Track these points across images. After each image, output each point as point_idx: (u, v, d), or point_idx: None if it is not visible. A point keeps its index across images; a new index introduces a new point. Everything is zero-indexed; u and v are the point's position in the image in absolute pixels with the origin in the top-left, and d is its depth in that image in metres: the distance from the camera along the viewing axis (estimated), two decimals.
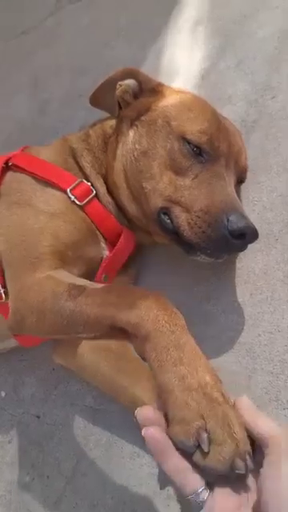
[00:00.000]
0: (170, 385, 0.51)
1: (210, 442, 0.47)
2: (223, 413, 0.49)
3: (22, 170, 0.81)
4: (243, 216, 0.68)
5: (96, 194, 0.81)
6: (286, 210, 0.82)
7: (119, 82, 0.80)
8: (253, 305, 0.78)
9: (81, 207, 0.78)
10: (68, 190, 0.77)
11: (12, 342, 0.89)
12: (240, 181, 0.81)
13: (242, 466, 0.47)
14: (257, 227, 0.68)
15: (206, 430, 0.48)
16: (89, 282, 0.69)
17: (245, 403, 0.53)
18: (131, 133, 0.79)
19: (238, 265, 0.82)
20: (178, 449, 0.50)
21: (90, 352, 0.81)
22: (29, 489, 0.86)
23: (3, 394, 0.96)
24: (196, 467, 0.49)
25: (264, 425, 0.50)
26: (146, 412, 0.53)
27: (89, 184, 0.80)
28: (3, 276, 0.76)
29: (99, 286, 0.65)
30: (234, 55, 1.02)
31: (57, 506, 0.82)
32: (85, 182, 0.80)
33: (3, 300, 0.75)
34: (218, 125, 0.75)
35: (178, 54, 1.13)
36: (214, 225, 0.68)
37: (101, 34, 1.32)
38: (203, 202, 0.70)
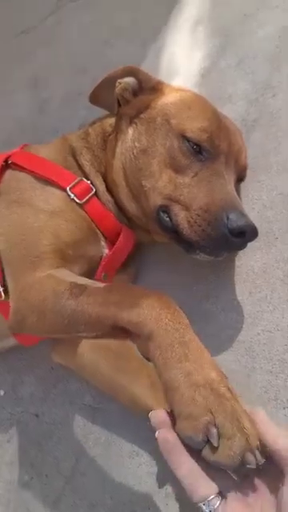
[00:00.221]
0: (175, 381, 0.51)
1: (220, 436, 0.47)
2: (232, 407, 0.49)
3: (22, 169, 0.80)
4: (243, 214, 0.68)
5: (95, 192, 0.80)
6: (285, 208, 0.82)
7: (119, 80, 0.79)
8: (252, 303, 0.78)
9: (80, 205, 0.78)
10: (68, 189, 0.77)
11: (11, 341, 0.88)
12: (240, 179, 0.81)
13: (253, 460, 0.47)
14: (256, 226, 0.68)
15: (214, 424, 0.48)
16: (90, 280, 0.68)
17: (261, 417, 0.52)
18: (130, 131, 0.79)
19: (238, 263, 0.82)
20: (185, 445, 0.50)
21: (89, 351, 0.81)
22: (28, 488, 0.86)
23: (2, 392, 0.96)
24: (208, 473, 0.49)
25: (282, 440, 0.49)
26: (160, 415, 0.53)
27: (88, 182, 0.80)
28: (3, 275, 0.75)
29: (101, 285, 0.65)
30: (234, 54, 1.02)
31: (56, 505, 0.82)
32: (84, 180, 0.80)
33: (2, 299, 0.75)
34: (218, 123, 0.75)
35: (179, 52, 1.13)
36: (214, 223, 0.67)
37: (101, 32, 1.32)
38: (203, 200, 0.69)
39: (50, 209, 0.75)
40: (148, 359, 0.56)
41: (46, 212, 0.74)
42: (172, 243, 0.77)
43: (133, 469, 0.78)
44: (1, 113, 1.39)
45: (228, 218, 0.67)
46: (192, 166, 0.72)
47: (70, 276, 0.69)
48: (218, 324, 0.79)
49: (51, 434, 0.88)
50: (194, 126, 0.72)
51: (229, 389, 0.51)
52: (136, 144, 0.77)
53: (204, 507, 0.48)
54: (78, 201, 0.77)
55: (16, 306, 0.70)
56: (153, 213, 0.75)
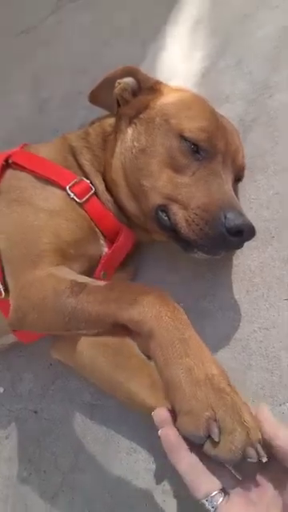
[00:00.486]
0: (176, 378, 0.52)
1: (220, 431, 0.48)
2: (232, 402, 0.50)
3: (22, 168, 0.81)
4: (240, 213, 0.69)
5: (95, 191, 0.81)
6: (282, 208, 0.82)
7: (118, 80, 0.80)
8: (249, 301, 0.79)
9: (80, 204, 0.78)
10: (67, 188, 0.77)
11: (10, 338, 0.89)
12: (237, 179, 0.81)
13: (254, 454, 0.47)
14: (254, 225, 0.69)
15: (215, 419, 0.48)
16: (90, 279, 0.69)
17: (265, 415, 0.52)
18: (130, 130, 0.79)
19: (235, 262, 0.83)
20: (187, 441, 0.50)
21: (88, 348, 0.81)
22: (26, 484, 0.86)
23: (1, 389, 0.96)
24: (211, 470, 0.49)
25: (286, 437, 0.49)
26: (162, 413, 0.53)
27: (88, 182, 0.81)
28: (3, 273, 0.76)
29: (101, 283, 0.66)
30: (233, 54, 1.03)
31: (54, 501, 0.82)
32: (84, 179, 0.80)
33: (2, 296, 0.75)
34: (216, 123, 0.75)
35: (178, 52, 1.13)
36: (212, 222, 0.68)
37: (101, 32, 1.32)
38: (201, 199, 0.70)
39: (50, 208, 0.76)
40: (148, 357, 0.57)
41: (47, 211, 0.75)
42: (170, 242, 0.78)
43: (130, 465, 0.78)
44: (1, 113, 1.39)
45: (225, 217, 0.67)
46: (190, 165, 0.73)
47: (70, 274, 0.69)
48: (216, 322, 0.80)
49: (50, 430, 0.88)
50: (193, 126, 0.73)
51: (229, 384, 0.52)
52: (135, 144, 0.78)
53: (207, 503, 0.48)
54: (77, 200, 0.78)
55: (16, 303, 0.70)
56: (152, 212, 0.76)
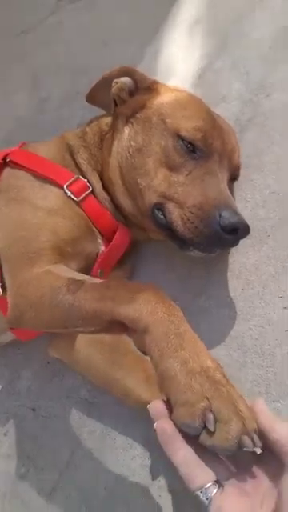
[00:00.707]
0: (172, 370, 0.52)
1: (216, 421, 0.48)
2: (227, 393, 0.50)
3: (20, 167, 0.81)
4: (235, 212, 0.70)
5: (92, 190, 0.82)
6: (278, 207, 0.83)
7: (115, 80, 0.81)
8: (244, 299, 0.79)
9: (77, 203, 0.79)
10: (65, 186, 0.78)
11: (8, 336, 0.90)
12: (233, 178, 0.82)
13: (250, 443, 0.47)
14: (249, 224, 0.70)
15: (211, 410, 0.49)
16: (87, 276, 0.69)
17: (261, 407, 0.53)
18: (126, 130, 0.80)
19: (230, 260, 0.83)
20: (183, 434, 0.50)
21: (85, 345, 0.82)
22: (24, 480, 0.87)
23: None
24: (206, 463, 0.50)
25: (282, 430, 0.49)
26: (158, 406, 0.54)
27: (85, 180, 0.81)
28: (0, 270, 0.76)
29: (98, 280, 0.66)
30: (229, 55, 1.04)
31: (51, 497, 0.83)
32: (81, 178, 0.81)
33: (0, 294, 0.76)
34: (212, 123, 0.76)
35: (176, 53, 1.14)
36: (207, 220, 0.69)
37: (100, 33, 1.33)
38: (196, 198, 0.71)
39: (48, 206, 0.76)
40: (144, 353, 0.57)
41: (44, 209, 0.76)
42: (167, 240, 0.78)
43: (127, 461, 0.79)
44: (1, 113, 1.40)
45: (220, 216, 0.68)
46: (186, 164, 0.73)
47: (67, 272, 0.70)
48: (211, 319, 0.81)
49: (47, 427, 0.89)
50: (189, 126, 0.74)
51: (224, 376, 0.52)
52: (132, 143, 0.78)
53: (201, 495, 0.48)
54: (74, 198, 0.78)
55: (14, 301, 0.70)
56: (148, 210, 0.77)
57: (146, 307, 0.57)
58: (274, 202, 0.84)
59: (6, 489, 0.88)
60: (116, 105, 0.83)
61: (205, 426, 0.48)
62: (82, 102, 0.89)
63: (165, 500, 0.74)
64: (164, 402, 0.54)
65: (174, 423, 0.51)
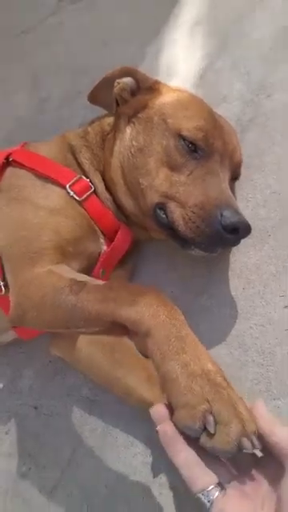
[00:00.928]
0: (173, 373, 0.52)
1: (216, 423, 0.49)
2: (228, 395, 0.51)
3: (22, 166, 0.82)
4: (237, 211, 0.70)
5: (94, 190, 0.82)
6: (279, 206, 0.84)
7: (117, 80, 0.81)
8: (245, 298, 0.80)
9: (79, 203, 0.79)
10: (67, 186, 0.78)
11: (10, 335, 0.90)
12: (234, 178, 0.82)
13: (249, 445, 0.48)
14: (250, 223, 0.70)
15: (211, 412, 0.49)
16: (89, 277, 0.70)
17: (260, 411, 0.53)
18: (128, 130, 0.80)
19: (232, 259, 0.84)
20: (184, 436, 0.51)
21: (86, 344, 0.82)
22: (25, 478, 0.87)
23: (1, 385, 0.97)
24: (208, 465, 0.50)
25: (281, 433, 0.50)
26: (160, 409, 0.54)
27: (87, 180, 0.81)
28: (2, 269, 0.77)
29: (100, 282, 0.66)
30: (230, 55, 1.04)
31: (52, 495, 0.83)
32: (84, 178, 0.81)
33: (3, 293, 0.76)
34: (213, 123, 0.76)
35: (177, 53, 1.14)
36: (208, 220, 0.69)
37: (100, 33, 1.33)
38: (198, 197, 0.71)
39: (50, 206, 0.76)
40: (146, 356, 0.58)
41: (46, 209, 0.76)
42: (168, 240, 0.79)
43: (128, 459, 0.79)
44: (1, 113, 1.40)
45: (222, 215, 0.68)
46: (187, 164, 0.74)
47: (69, 272, 0.70)
48: (212, 318, 0.81)
49: (49, 425, 0.89)
50: (190, 125, 0.74)
51: (225, 379, 0.53)
52: (134, 143, 0.79)
53: (203, 497, 0.49)
54: (77, 198, 0.78)
55: (16, 301, 0.71)
56: (150, 210, 0.77)
57: (148, 310, 0.57)
58: (274, 202, 0.84)
59: (7, 487, 0.88)
60: (118, 105, 0.83)
61: (205, 428, 0.49)
62: (83, 102, 0.89)
63: (166, 498, 0.74)
64: (166, 405, 0.54)
65: (175, 425, 0.51)
